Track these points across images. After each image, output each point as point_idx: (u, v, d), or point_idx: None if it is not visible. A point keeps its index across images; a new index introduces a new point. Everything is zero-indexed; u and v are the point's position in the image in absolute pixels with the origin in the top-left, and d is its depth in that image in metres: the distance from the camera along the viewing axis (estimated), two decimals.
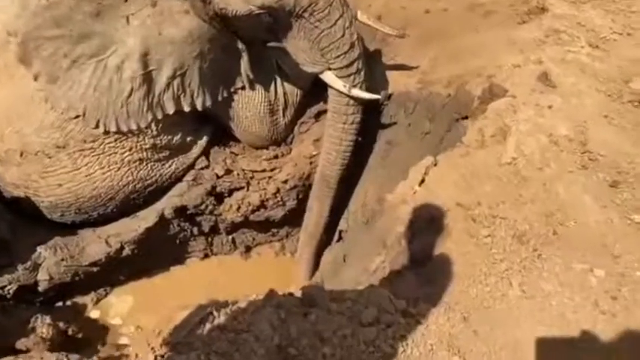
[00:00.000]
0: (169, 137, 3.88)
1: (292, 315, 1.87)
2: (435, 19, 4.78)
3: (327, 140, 4.09)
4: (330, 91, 3.94)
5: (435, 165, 3.32)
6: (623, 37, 3.99)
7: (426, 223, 2.87)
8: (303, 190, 4.42)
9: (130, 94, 3.40)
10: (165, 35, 3.33)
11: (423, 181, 3.24)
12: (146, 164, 3.87)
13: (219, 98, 3.80)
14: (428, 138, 4.07)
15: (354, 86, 3.79)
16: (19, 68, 3.43)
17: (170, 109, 3.56)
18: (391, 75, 4.60)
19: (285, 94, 4.23)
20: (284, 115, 4.31)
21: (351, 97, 3.83)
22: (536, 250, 2.46)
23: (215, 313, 1.90)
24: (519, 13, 4.42)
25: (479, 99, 3.64)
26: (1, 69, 3.64)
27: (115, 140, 3.67)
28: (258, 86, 4.00)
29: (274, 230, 4.75)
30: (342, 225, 4.71)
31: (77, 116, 3.45)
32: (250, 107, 4.06)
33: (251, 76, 3.83)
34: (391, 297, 2.06)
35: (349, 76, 3.75)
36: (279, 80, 4.16)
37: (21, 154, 3.61)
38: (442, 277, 2.37)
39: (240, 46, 3.67)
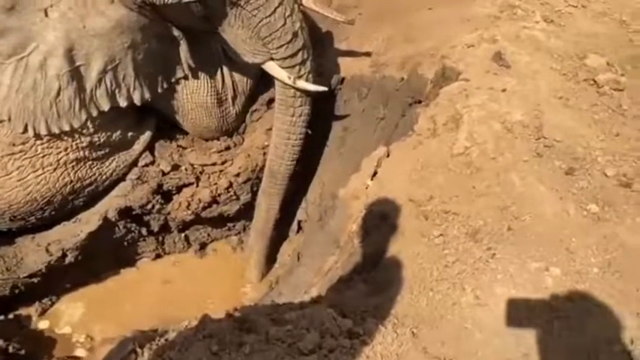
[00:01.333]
0: (108, 134, 3.62)
1: (225, 347, 1.70)
2: None
3: (275, 134, 3.90)
4: (276, 82, 3.73)
5: (388, 156, 3.18)
6: (578, 10, 3.88)
7: (379, 221, 2.73)
8: (257, 182, 4.22)
9: (58, 93, 3.12)
10: (90, 27, 3.06)
11: (375, 173, 3.10)
12: (84, 164, 3.61)
13: (159, 90, 3.55)
14: (382, 124, 3.92)
15: (300, 77, 3.58)
16: None
17: (105, 106, 3.30)
18: (343, 58, 4.42)
19: (233, 81, 4.00)
20: (234, 104, 4.09)
21: (298, 89, 3.62)
22: (490, 248, 2.34)
23: (139, 351, 1.72)
24: None
25: (432, 82, 3.50)
26: None
27: (48, 141, 3.39)
28: (202, 75, 3.76)
29: (230, 225, 4.55)
30: (301, 215, 4.56)
31: (1, 121, 3.17)
32: (196, 98, 3.83)
33: (192, 65, 3.58)
34: (335, 316, 1.91)
35: (294, 66, 3.54)
36: (225, 67, 3.92)
37: None
38: (392, 284, 2.23)
39: (177, 33, 3.42)
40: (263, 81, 4.14)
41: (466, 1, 4.19)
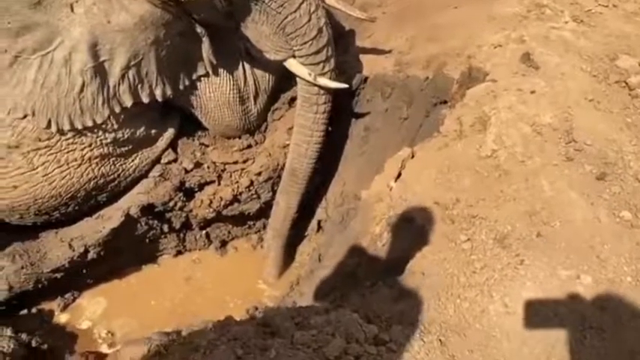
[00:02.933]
0: (132, 130, 3.63)
1: (250, 350, 1.69)
2: None
3: (296, 131, 3.88)
4: (299, 80, 3.70)
5: (413, 157, 3.13)
6: (608, 10, 3.77)
7: (403, 224, 2.69)
8: (278, 181, 4.20)
9: (81, 89, 3.13)
10: (115, 23, 3.07)
11: (399, 175, 3.06)
12: (108, 160, 3.63)
13: (181, 87, 3.55)
14: (406, 124, 3.87)
15: (323, 75, 3.56)
16: None
17: (128, 102, 3.31)
18: (366, 56, 4.37)
19: (255, 80, 3.98)
20: (255, 103, 4.07)
21: (320, 86, 3.60)
22: (519, 254, 2.29)
23: (163, 352, 1.70)
24: None
25: (457, 83, 3.45)
26: None
27: (73, 136, 3.41)
28: (224, 72, 3.75)
29: (250, 223, 4.54)
30: (320, 214, 4.53)
31: (26, 116, 3.19)
32: (219, 96, 3.82)
33: (214, 62, 3.56)
34: (360, 322, 1.88)
35: (318, 64, 3.53)
36: (247, 65, 3.90)
37: None
38: (418, 290, 2.19)
39: (200, 30, 3.41)
40: (285, 79, 4.12)
41: None
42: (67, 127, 3.23)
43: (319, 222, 4.51)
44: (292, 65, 3.59)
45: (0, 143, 3.29)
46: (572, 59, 3.26)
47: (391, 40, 4.34)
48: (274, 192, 4.25)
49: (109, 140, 3.49)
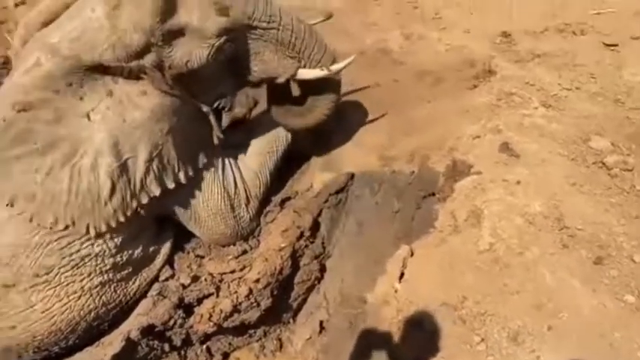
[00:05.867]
0: (130, 252, 3.64)
1: None
2: (386, 91, 4.75)
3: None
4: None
5: (412, 255, 3.19)
6: (572, 92, 4.04)
7: (413, 328, 2.70)
8: (277, 286, 4.18)
9: (112, 189, 3.25)
10: (130, 121, 3.23)
11: (402, 275, 3.10)
12: (109, 287, 3.59)
13: (200, 165, 3.71)
14: (398, 217, 3.95)
15: (332, 63, 3.83)
16: None
17: (156, 191, 3.42)
18: (350, 152, 4.51)
19: (245, 186, 4.08)
20: (247, 209, 4.14)
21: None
22: (534, 350, 2.33)
23: None
24: (468, 78, 4.45)
25: (444, 176, 3.58)
26: None
27: (72, 268, 3.40)
28: (215, 180, 3.87)
29: (251, 332, 4.44)
30: (322, 314, 4.48)
31: (67, 227, 3.24)
32: (211, 204, 3.89)
33: (221, 137, 3.77)
34: None
35: (322, 57, 3.80)
36: (237, 172, 4.03)
37: None
38: None
39: (205, 109, 3.64)
40: (274, 183, 4.22)
41: (462, 92, 4.37)
42: (103, 228, 3.30)
43: (321, 322, 4.45)
44: (304, 74, 3.82)
45: None
46: (549, 145, 3.45)
47: (371, 136, 4.51)
48: (274, 298, 4.21)
49: (108, 266, 3.49)
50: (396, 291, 2.97)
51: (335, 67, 3.85)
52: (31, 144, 3.09)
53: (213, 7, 3.30)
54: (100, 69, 3.12)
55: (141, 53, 3.19)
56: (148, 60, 3.22)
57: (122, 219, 3.34)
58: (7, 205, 3.13)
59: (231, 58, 3.55)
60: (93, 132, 3.17)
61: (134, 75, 3.22)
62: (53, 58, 3.03)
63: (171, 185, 3.49)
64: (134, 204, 3.37)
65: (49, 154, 3.13)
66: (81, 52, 3.06)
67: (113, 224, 3.33)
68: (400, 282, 3.02)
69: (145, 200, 3.40)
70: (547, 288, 2.56)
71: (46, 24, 3.26)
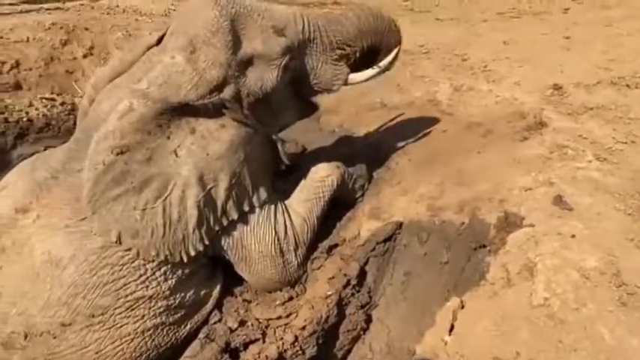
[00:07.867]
0: (182, 294, 3.74)
1: None
2: (435, 142, 4.80)
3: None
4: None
5: (463, 307, 3.14)
6: (628, 146, 3.97)
7: None
8: (323, 334, 4.16)
9: (199, 218, 3.52)
10: (213, 153, 3.53)
11: (452, 328, 3.04)
12: (161, 330, 3.68)
13: (268, 192, 3.96)
14: (447, 268, 3.91)
15: (380, 60, 4.08)
16: (26, 246, 3.39)
17: (234, 215, 3.72)
18: (398, 202, 4.54)
19: (294, 232, 4.15)
20: (296, 255, 4.20)
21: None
22: None
23: None
24: (519, 130, 4.44)
25: (495, 228, 3.54)
26: (9, 247, 3.53)
27: (126, 309, 3.51)
28: (267, 225, 3.99)
29: None
30: None
31: (166, 258, 3.51)
32: (262, 248, 3.98)
33: (287, 162, 4.18)
34: None
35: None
36: (287, 219, 4.11)
37: (25, 337, 3.40)
38: None
39: (274, 137, 4.03)
40: (321, 229, 4.27)
41: (513, 143, 4.35)
42: (192, 254, 3.57)
43: None
44: (355, 78, 4.10)
45: (55, 322, 3.38)
46: (604, 198, 3.38)
47: (420, 185, 4.53)
48: (319, 346, 4.18)
49: (162, 309, 3.59)
50: (445, 344, 2.91)
51: (385, 62, 4.10)
52: (128, 183, 3.36)
53: (270, 31, 3.64)
54: (185, 108, 3.45)
55: (220, 86, 3.54)
56: (227, 92, 3.57)
57: (207, 243, 3.63)
58: (114, 242, 3.38)
59: (294, 81, 3.89)
60: (180, 167, 3.47)
61: (216, 108, 3.54)
62: (145, 102, 3.34)
63: (247, 208, 3.80)
64: (216, 227, 3.67)
65: (144, 192, 3.40)
66: (168, 95, 3.40)
67: (200, 249, 3.60)
68: (450, 335, 2.95)
69: (225, 223, 3.70)
70: (605, 346, 2.47)
71: (113, 78, 3.62)
